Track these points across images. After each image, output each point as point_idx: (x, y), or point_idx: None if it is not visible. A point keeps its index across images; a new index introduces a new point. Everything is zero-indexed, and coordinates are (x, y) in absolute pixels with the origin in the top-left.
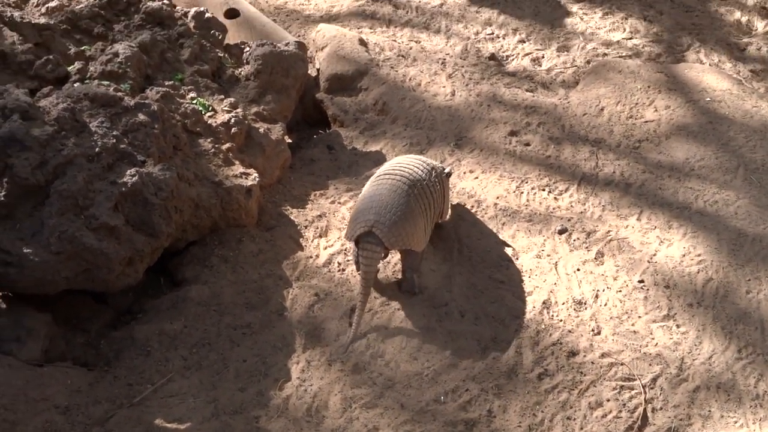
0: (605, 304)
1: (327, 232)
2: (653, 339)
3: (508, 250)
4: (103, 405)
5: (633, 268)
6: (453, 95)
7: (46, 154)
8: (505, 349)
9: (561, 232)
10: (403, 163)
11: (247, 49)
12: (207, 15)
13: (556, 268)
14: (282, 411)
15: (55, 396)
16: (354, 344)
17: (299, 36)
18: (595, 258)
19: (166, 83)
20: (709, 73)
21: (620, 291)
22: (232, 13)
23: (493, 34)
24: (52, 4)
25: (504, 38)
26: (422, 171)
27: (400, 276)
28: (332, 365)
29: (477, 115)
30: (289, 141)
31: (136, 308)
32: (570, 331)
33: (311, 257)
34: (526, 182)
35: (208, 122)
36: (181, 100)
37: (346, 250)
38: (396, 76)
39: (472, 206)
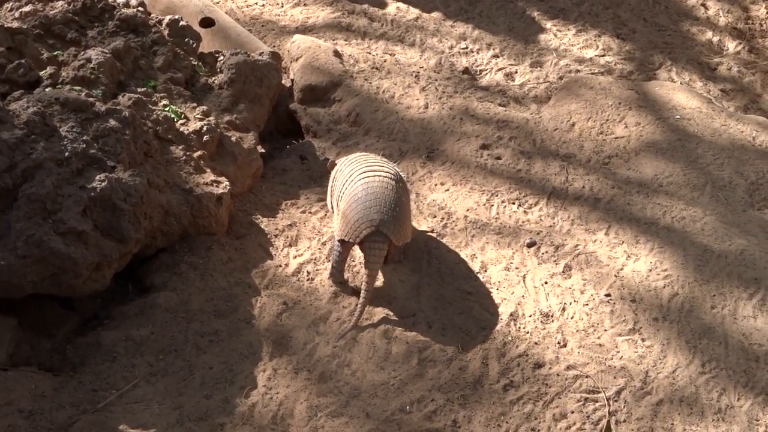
0: (572, 317)
1: (297, 242)
2: (618, 352)
3: (477, 263)
4: (68, 410)
5: (600, 282)
6: (426, 108)
7: (15, 157)
8: (472, 360)
9: (530, 245)
10: (374, 161)
11: (221, 57)
12: (182, 23)
13: (524, 281)
14: (247, 418)
15: (19, 400)
16: (320, 353)
17: (274, 46)
18: (563, 271)
19: (139, 90)
20: (680, 92)
21: (587, 304)
22: (207, 22)
23: (467, 48)
24: (25, 9)
25: (478, 53)
26: (389, 165)
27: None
28: (298, 374)
29: (449, 128)
30: (262, 150)
31: (103, 314)
32: (536, 343)
33: (280, 266)
34: (497, 195)
35: (180, 130)
36: (154, 107)
37: (315, 259)
38: (370, 88)
39: (443, 218)
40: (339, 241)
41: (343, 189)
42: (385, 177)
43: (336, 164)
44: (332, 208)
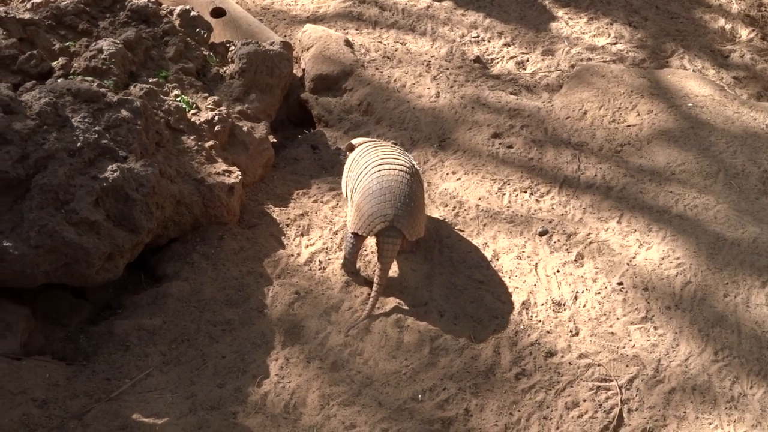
0: (584, 306)
1: (309, 231)
2: (630, 341)
3: (489, 251)
4: (81, 399)
5: (612, 271)
6: (437, 97)
7: (28, 148)
8: (484, 348)
9: (542, 233)
10: (390, 152)
11: (233, 47)
12: (193, 13)
13: (536, 270)
14: (259, 407)
15: (33, 389)
16: (332, 342)
17: (285, 36)
18: (575, 260)
19: (150, 80)
20: (692, 79)
21: (599, 293)
22: (218, 12)
23: (478, 37)
24: (37, 0)
25: (489, 41)
26: (405, 157)
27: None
28: (311, 363)
29: (461, 117)
30: (273, 140)
31: (116, 303)
32: (548, 332)
33: (292, 255)
34: (508, 184)
35: (192, 120)
36: (165, 97)
37: (327, 249)
38: (381, 77)
39: (455, 207)
40: (352, 233)
41: (357, 181)
42: (400, 170)
43: (354, 146)
44: (346, 195)
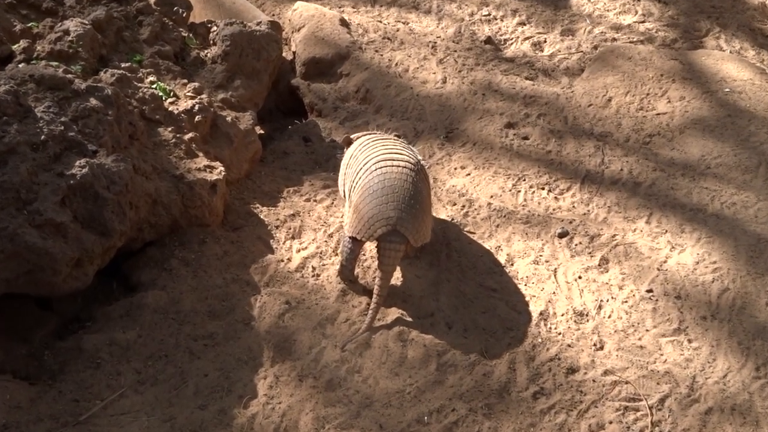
0: (609, 316)
1: (301, 234)
2: (662, 355)
3: (502, 256)
4: (46, 423)
5: (641, 277)
6: (444, 83)
7: None
8: (497, 364)
9: (561, 235)
10: (393, 146)
11: (215, 28)
12: None
13: (555, 276)
14: (247, 431)
15: None
16: (327, 358)
17: (273, 15)
18: (599, 264)
19: (123, 65)
20: (729, 62)
21: (626, 301)
22: None
23: (489, 15)
24: None
25: (502, 20)
26: (410, 151)
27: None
28: (303, 381)
29: (470, 105)
30: (261, 131)
31: (85, 315)
32: (569, 346)
33: (282, 261)
34: (524, 180)
35: (169, 109)
36: (139, 84)
37: (321, 253)
38: (381, 60)
39: (464, 206)
40: (350, 237)
41: (356, 178)
42: (404, 167)
43: (352, 141)
44: (344, 194)
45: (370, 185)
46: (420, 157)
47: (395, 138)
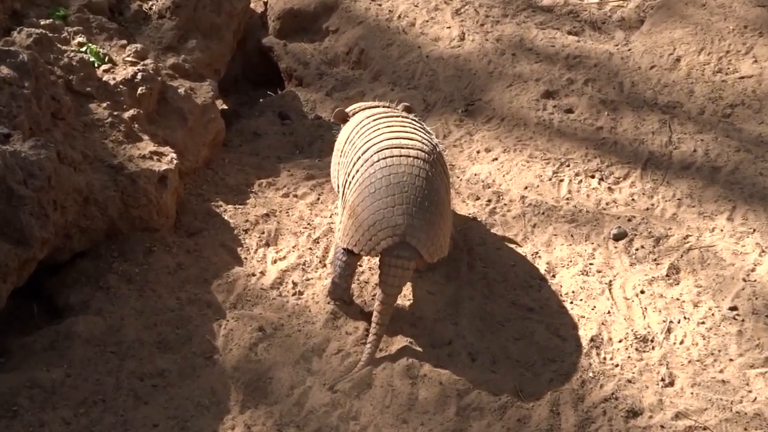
0: (681, 342)
1: (277, 239)
2: (750, 392)
3: (541, 265)
4: None
5: (722, 290)
6: (461, 40)
7: None
8: (536, 407)
9: (618, 237)
10: (400, 127)
11: None
12: None
13: (610, 290)
14: None
15: None
16: (314, 401)
17: None
18: (668, 275)
19: (42, 22)
20: None
21: (703, 323)
22: None
23: None
24: None
25: None
26: (424, 132)
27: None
28: (283, 431)
29: (496, 70)
30: (223, 107)
31: None
32: (630, 381)
33: (254, 275)
34: (567, 166)
35: (104, 79)
36: (64, 47)
37: (304, 264)
38: (379, 12)
39: (490, 200)
40: (345, 249)
41: (353, 171)
42: (416, 156)
43: (348, 116)
44: (337, 189)
45: (371, 182)
46: (437, 141)
47: (404, 113)
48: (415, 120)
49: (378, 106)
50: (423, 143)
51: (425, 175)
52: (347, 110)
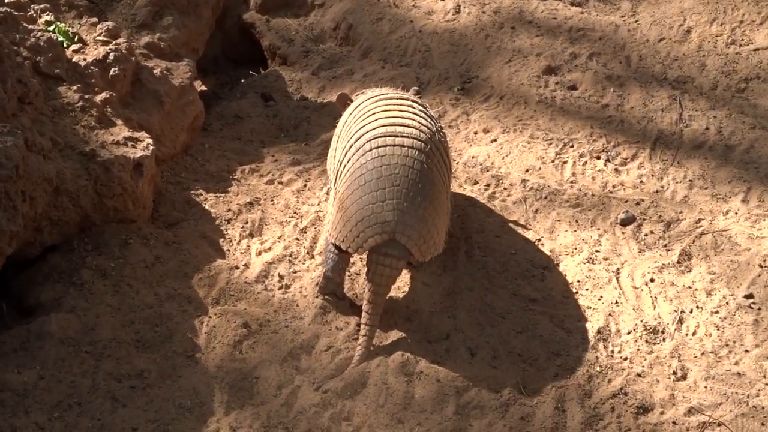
0: (694, 333)
1: (261, 230)
2: (767, 386)
3: (544, 252)
4: None
5: (737, 277)
6: (457, 13)
7: None
8: (540, 404)
9: (625, 222)
10: (398, 111)
11: None
12: None
13: (617, 279)
14: None
15: None
16: (303, 402)
17: None
18: (679, 262)
19: (6, 0)
20: None
21: (717, 312)
22: None
23: None
24: None
25: None
26: (425, 118)
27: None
28: None
29: (494, 44)
30: (202, 88)
31: None
32: (639, 375)
33: (237, 268)
34: (571, 146)
35: (74, 60)
36: (31, 26)
37: (291, 255)
38: None
39: (489, 185)
40: (334, 244)
41: (344, 158)
42: (411, 146)
43: (349, 100)
44: (331, 176)
45: (361, 173)
46: (440, 126)
47: (412, 97)
48: (418, 104)
49: (382, 92)
50: (420, 130)
51: (420, 167)
52: (353, 96)
